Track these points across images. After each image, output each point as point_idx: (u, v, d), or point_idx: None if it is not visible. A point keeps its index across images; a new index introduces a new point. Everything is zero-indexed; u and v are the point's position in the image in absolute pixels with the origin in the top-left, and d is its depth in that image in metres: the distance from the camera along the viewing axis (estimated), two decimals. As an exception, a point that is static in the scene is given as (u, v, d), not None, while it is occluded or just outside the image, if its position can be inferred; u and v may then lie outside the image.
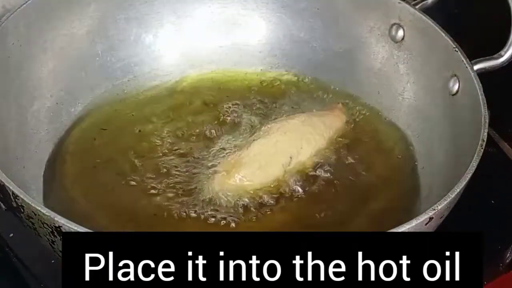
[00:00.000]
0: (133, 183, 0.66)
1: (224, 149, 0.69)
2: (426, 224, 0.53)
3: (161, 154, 0.68)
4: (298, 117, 0.71)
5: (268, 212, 0.64)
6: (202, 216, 0.63)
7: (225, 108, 0.74)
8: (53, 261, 0.62)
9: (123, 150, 0.69)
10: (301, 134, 0.69)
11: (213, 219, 0.62)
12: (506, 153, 0.78)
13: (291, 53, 0.79)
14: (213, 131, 0.71)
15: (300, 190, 0.66)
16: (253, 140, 0.68)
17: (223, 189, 0.64)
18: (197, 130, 0.71)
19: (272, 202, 0.64)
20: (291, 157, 0.67)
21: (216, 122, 0.72)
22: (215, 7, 0.79)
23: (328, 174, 0.67)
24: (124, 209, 0.63)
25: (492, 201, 0.72)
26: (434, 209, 0.53)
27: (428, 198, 0.65)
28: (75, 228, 0.49)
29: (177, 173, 0.66)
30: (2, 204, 0.55)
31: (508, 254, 0.69)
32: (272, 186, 0.65)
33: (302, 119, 0.70)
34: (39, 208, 0.50)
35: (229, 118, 0.73)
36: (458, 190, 0.54)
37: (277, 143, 0.67)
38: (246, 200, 0.64)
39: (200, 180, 0.65)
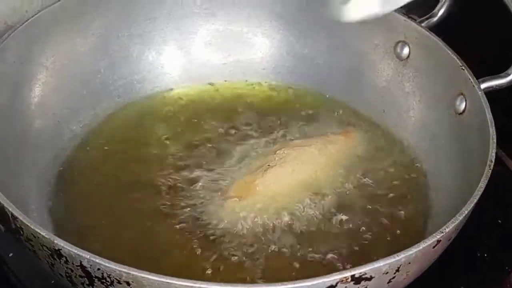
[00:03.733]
0: (137, 205, 0.65)
1: (233, 171, 0.68)
2: (434, 247, 0.52)
3: (166, 175, 0.67)
4: (315, 145, 0.69)
5: (277, 244, 0.62)
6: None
7: (232, 126, 0.73)
8: (52, 282, 0.61)
9: (126, 170, 0.68)
10: (317, 166, 0.68)
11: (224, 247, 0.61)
12: (514, 172, 0.77)
13: (295, 70, 0.79)
14: (220, 151, 0.70)
15: (313, 222, 0.64)
16: (268, 166, 0.67)
17: (234, 216, 0.63)
18: (204, 150, 0.70)
19: (284, 231, 0.63)
20: (305, 189, 0.66)
21: (223, 141, 0.71)
22: (218, 24, 0.79)
23: (339, 200, 0.66)
24: (127, 233, 0.62)
25: (499, 221, 0.72)
26: (442, 232, 0.52)
27: (436, 218, 0.64)
28: (75, 251, 0.48)
29: (184, 195, 0.65)
30: (1, 226, 0.54)
31: (515, 275, 0.68)
32: (283, 217, 0.64)
33: (319, 148, 0.69)
34: (38, 230, 0.49)
35: (237, 137, 0.72)
36: (466, 212, 0.54)
37: (293, 173, 0.66)
38: (257, 229, 0.63)
39: (210, 204, 0.64)
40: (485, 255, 0.68)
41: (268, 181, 0.65)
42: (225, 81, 0.78)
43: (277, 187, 0.65)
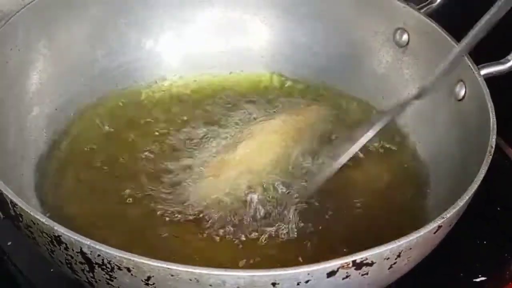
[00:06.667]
0: (131, 194, 0.65)
1: (214, 152, 0.68)
2: (435, 233, 0.52)
3: (157, 160, 0.68)
4: (279, 117, 0.70)
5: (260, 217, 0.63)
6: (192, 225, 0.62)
7: (228, 113, 0.73)
8: (52, 270, 0.61)
9: (122, 158, 0.68)
10: (285, 134, 0.68)
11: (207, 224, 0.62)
12: (512, 159, 0.77)
13: (293, 58, 0.79)
14: (213, 137, 0.70)
15: (294, 191, 0.65)
16: (237, 142, 0.67)
17: (211, 193, 0.63)
18: (198, 137, 0.70)
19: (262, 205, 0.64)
20: (277, 158, 0.66)
21: (216, 128, 0.71)
22: (216, 11, 0.79)
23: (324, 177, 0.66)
24: (120, 221, 0.62)
25: (498, 208, 0.72)
26: (443, 217, 0.51)
27: (434, 205, 0.64)
28: (75, 237, 0.48)
29: (167, 179, 0.66)
30: (0, 213, 0.54)
31: (515, 262, 0.68)
32: (261, 187, 0.64)
33: (283, 119, 0.70)
34: (38, 217, 0.49)
35: (231, 124, 0.72)
36: (467, 197, 0.53)
37: (262, 144, 0.67)
38: (237, 204, 0.63)
39: (189, 186, 0.65)
40: (485, 242, 0.68)
41: (238, 156, 0.66)
42: (223, 69, 0.78)
43: (248, 159, 0.66)
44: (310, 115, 0.72)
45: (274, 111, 0.73)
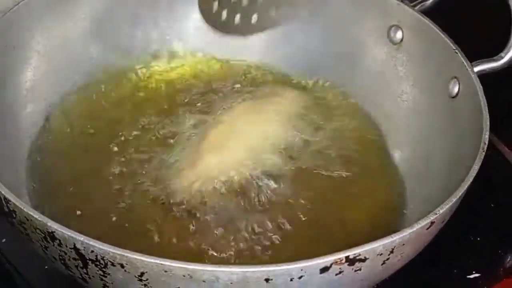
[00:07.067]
0: (118, 188, 0.65)
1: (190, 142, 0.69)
2: (427, 229, 0.52)
3: (142, 152, 0.68)
4: (251, 102, 0.71)
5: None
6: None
7: (222, 106, 0.73)
8: (46, 267, 0.61)
9: (117, 153, 0.68)
10: (258, 116, 0.69)
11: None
12: (505, 156, 0.77)
13: (288, 56, 0.78)
14: (202, 133, 0.70)
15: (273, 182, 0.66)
16: (208, 128, 0.68)
17: (192, 184, 0.63)
18: (191, 132, 0.70)
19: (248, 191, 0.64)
20: (254, 138, 0.67)
21: (209, 119, 0.71)
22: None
23: (311, 164, 0.68)
24: (109, 218, 0.63)
25: (492, 205, 0.72)
26: (436, 213, 0.52)
27: (427, 202, 0.64)
28: (69, 233, 0.48)
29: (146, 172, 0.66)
30: (-7, 209, 0.54)
31: (509, 259, 0.68)
32: (240, 172, 0.65)
33: (254, 102, 0.71)
34: (32, 213, 0.49)
35: (220, 115, 0.72)
36: (460, 194, 0.54)
37: (235, 127, 0.68)
38: (219, 192, 0.64)
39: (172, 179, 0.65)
40: (478, 238, 0.69)
41: (212, 140, 0.66)
42: (219, 65, 0.78)
43: (223, 143, 0.66)
44: (282, 101, 0.73)
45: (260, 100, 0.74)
